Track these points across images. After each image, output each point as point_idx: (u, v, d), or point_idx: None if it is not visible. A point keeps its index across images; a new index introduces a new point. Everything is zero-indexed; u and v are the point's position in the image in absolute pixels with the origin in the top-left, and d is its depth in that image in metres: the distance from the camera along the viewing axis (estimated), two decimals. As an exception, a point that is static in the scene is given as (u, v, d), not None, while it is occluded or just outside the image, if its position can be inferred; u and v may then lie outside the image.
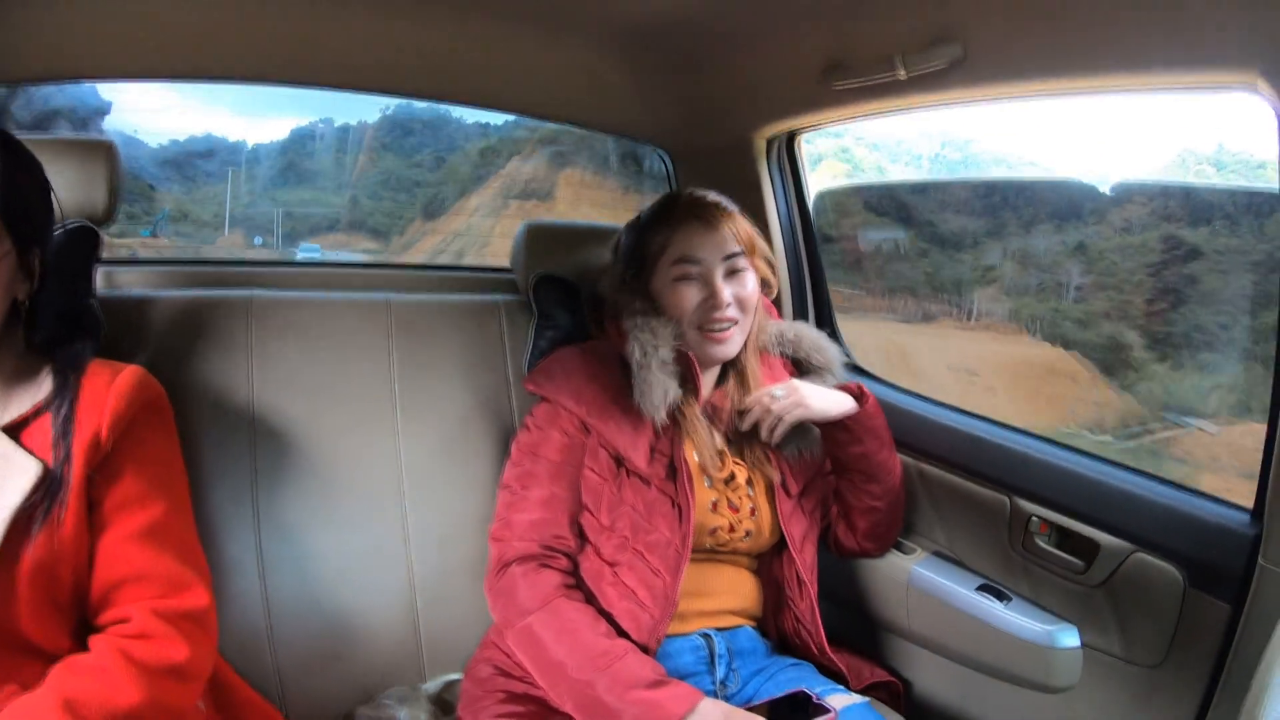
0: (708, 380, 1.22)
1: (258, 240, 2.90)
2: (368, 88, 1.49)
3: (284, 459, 1.23)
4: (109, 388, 0.90)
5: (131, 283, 1.35)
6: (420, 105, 3.06)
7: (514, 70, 1.45)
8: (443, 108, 3.06)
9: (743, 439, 1.22)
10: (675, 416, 1.15)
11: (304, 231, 2.99)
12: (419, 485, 1.29)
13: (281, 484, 1.22)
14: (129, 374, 0.92)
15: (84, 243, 1.16)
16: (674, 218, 1.18)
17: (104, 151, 1.17)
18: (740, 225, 1.19)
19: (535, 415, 1.21)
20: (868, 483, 1.23)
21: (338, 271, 1.55)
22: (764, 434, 1.17)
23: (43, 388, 0.89)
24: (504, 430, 1.37)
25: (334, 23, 1.28)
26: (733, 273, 1.17)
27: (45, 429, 0.87)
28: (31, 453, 0.85)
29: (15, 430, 0.87)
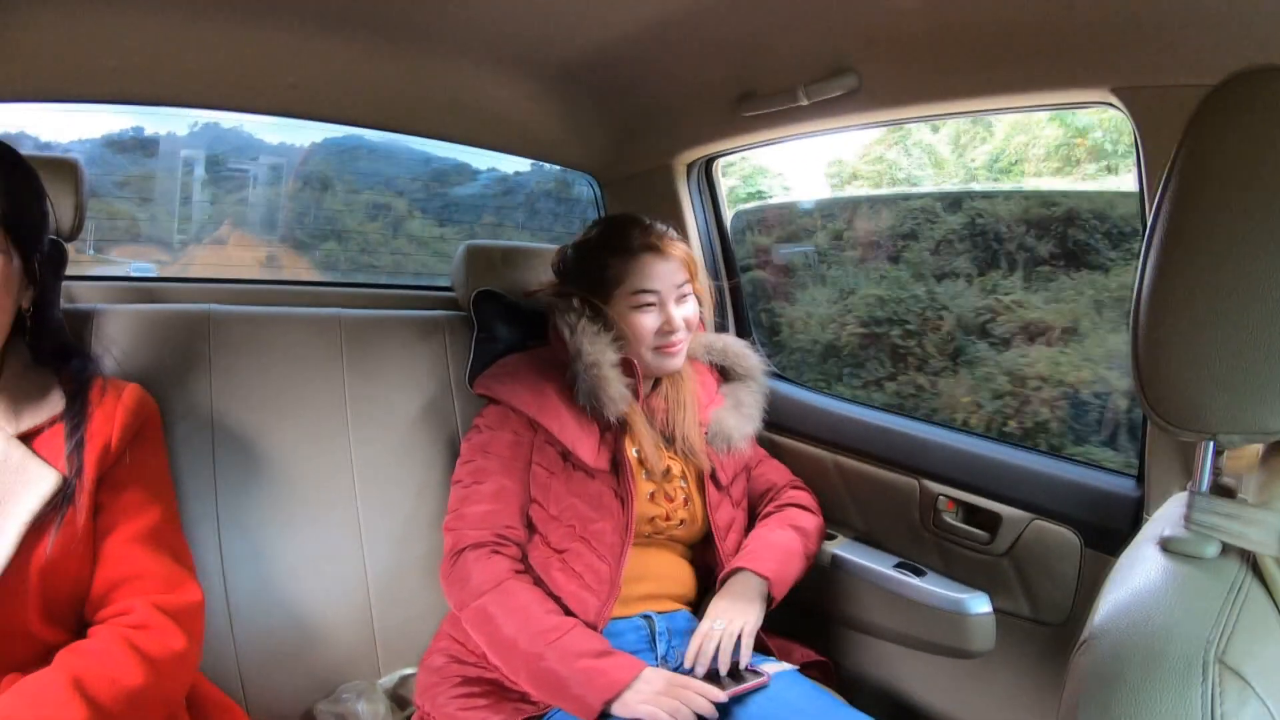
0: (645, 385, 1.32)
1: (90, 251, 2.78)
2: (313, 115, 1.56)
3: (244, 466, 1.28)
4: (118, 402, 0.97)
5: (88, 297, 1.37)
6: (227, 128, 3.10)
7: (452, 101, 1.53)
8: (258, 139, 3.20)
9: (676, 436, 1.31)
10: (619, 416, 1.24)
11: (117, 241, 2.95)
12: (370, 488, 1.36)
13: (242, 490, 1.27)
14: (133, 390, 1.00)
15: (53, 257, 1.17)
16: (630, 249, 1.26)
17: (69, 169, 1.20)
18: (686, 253, 1.30)
19: (486, 416, 1.29)
20: None
21: (290, 289, 1.60)
22: (722, 659, 1.15)
23: (55, 403, 0.94)
24: (448, 435, 1.44)
25: (284, 50, 1.33)
26: (681, 298, 1.29)
27: (58, 438, 0.93)
28: (46, 461, 0.90)
29: (28, 439, 0.92)
